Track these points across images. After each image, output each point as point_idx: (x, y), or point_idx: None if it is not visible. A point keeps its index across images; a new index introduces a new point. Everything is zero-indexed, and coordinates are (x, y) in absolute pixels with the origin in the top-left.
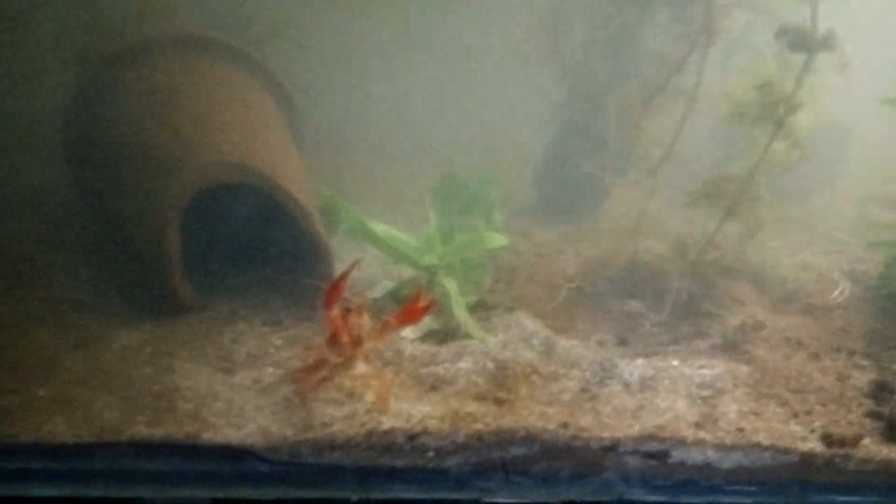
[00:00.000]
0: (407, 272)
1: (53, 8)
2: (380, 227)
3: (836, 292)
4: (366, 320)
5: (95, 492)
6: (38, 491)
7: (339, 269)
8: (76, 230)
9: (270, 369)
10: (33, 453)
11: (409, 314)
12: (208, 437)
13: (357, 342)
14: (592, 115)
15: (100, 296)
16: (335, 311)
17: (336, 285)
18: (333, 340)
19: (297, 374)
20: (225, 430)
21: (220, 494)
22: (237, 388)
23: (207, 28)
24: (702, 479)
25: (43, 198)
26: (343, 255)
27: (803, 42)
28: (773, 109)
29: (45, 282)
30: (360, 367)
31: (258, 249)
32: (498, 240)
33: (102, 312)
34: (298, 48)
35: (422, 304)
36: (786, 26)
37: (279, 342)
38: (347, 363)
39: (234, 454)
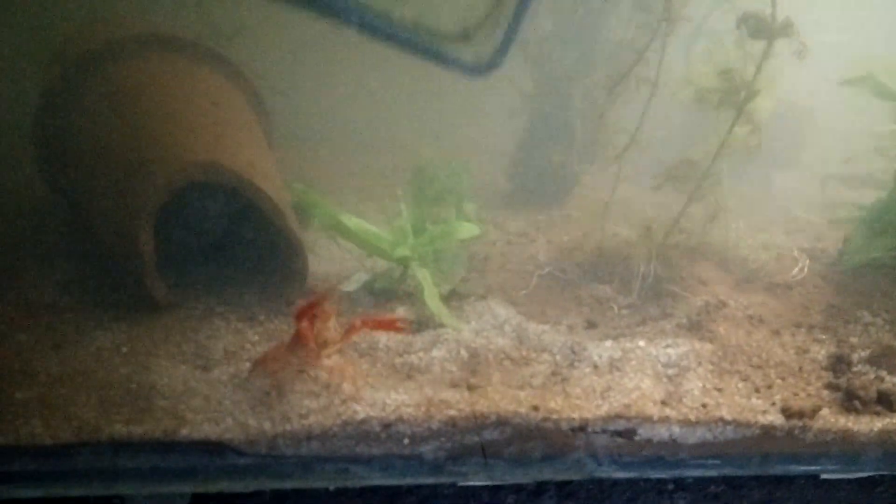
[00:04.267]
0: (381, 264)
1: (22, 10)
2: (352, 221)
3: (796, 270)
4: (332, 325)
5: (76, 491)
6: (18, 493)
7: (312, 263)
8: (49, 232)
9: (247, 364)
10: (13, 455)
11: (381, 325)
12: (186, 432)
13: (323, 346)
14: (559, 104)
15: (75, 297)
16: (305, 324)
17: (311, 305)
18: (297, 342)
19: (264, 362)
20: (203, 426)
21: (200, 489)
22: (214, 384)
23: (173, 27)
24: (668, 455)
25: (15, 200)
26: (317, 249)
27: (763, 30)
28: (733, 95)
29: (19, 284)
30: (335, 359)
31: (232, 247)
32: (469, 230)
33: (78, 314)
34: (265, 43)
35: (399, 325)
36: (746, 15)
37: (255, 338)
38: (312, 361)
39: (212, 449)
